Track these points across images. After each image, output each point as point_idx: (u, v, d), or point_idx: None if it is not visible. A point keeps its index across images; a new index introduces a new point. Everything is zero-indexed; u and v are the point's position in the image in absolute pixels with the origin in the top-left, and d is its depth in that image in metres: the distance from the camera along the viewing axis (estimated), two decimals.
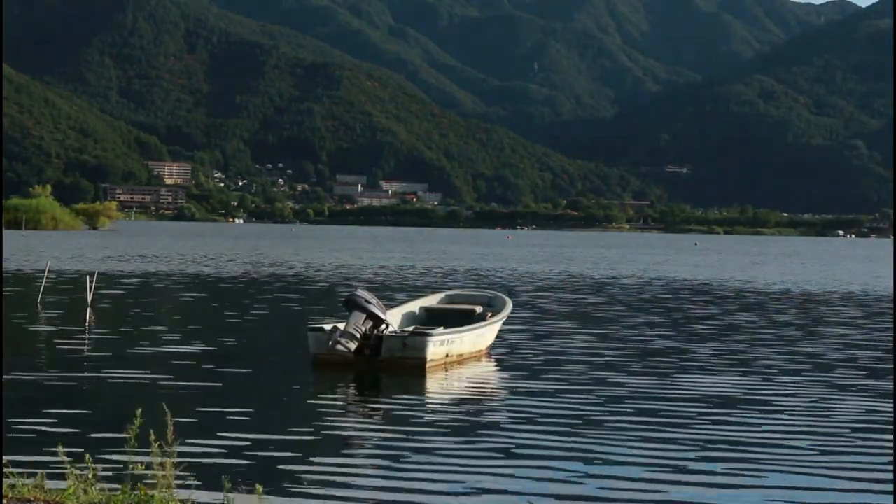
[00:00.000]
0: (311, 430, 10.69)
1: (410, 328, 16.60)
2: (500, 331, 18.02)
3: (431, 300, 18.76)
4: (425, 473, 8.92)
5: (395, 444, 10.09)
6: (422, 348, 14.99)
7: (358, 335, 14.97)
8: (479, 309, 17.72)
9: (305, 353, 15.43)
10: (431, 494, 8.33)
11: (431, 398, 13.30)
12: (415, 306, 18.29)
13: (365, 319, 15.11)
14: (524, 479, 8.85)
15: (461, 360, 15.95)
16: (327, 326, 15.38)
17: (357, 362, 15.00)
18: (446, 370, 15.18)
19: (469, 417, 11.60)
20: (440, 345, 15.35)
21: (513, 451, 9.88)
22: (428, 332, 15.38)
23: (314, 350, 15.24)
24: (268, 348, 17.49)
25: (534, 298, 29.65)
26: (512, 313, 19.21)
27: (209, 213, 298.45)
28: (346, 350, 14.87)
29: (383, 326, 15.36)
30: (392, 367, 14.92)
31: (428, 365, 14.98)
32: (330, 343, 14.98)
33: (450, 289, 24.21)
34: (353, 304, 15.25)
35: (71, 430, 10.18)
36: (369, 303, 15.24)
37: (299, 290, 31.18)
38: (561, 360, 16.44)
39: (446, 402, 12.86)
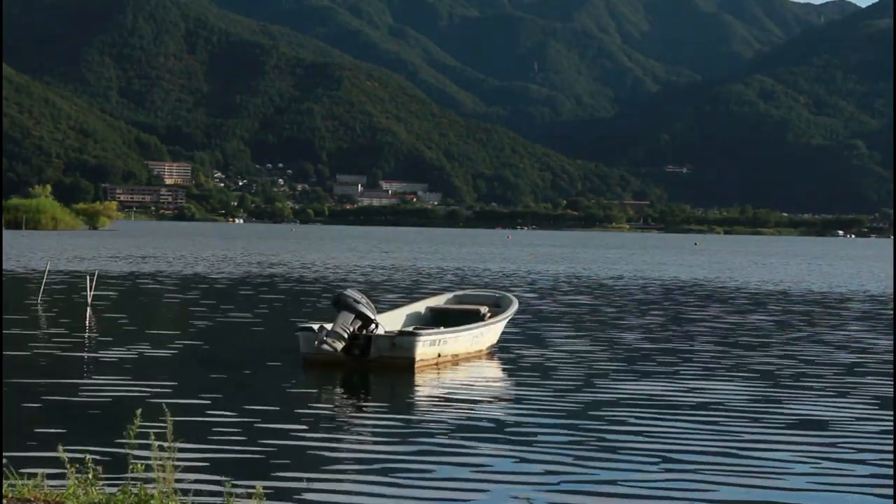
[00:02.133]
0: (304, 430, 10.70)
1: (411, 328, 16.62)
2: (503, 331, 17.98)
3: (438, 300, 18.74)
4: (419, 473, 8.93)
5: (386, 444, 10.09)
6: (410, 348, 14.96)
7: (345, 335, 14.92)
8: (484, 309, 17.68)
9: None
10: (425, 493, 8.34)
11: (420, 398, 13.26)
12: (421, 306, 18.29)
13: (353, 319, 15.08)
14: (510, 482, 8.86)
15: (456, 360, 15.91)
16: (317, 326, 15.36)
17: (347, 362, 14.99)
18: (439, 370, 15.15)
19: (456, 419, 11.59)
20: (430, 345, 15.29)
21: (501, 451, 9.89)
22: (416, 332, 15.37)
23: (304, 350, 15.25)
24: (265, 348, 17.47)
25: (536, 299, 29.63)
26: (517, 314, 19.18)
27: (209, 213, 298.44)
28: (331, 350, 14.83)
29: (373, 326, 15.32)
30: (381, 367, 14.90)
31: (417, 365, 14.94)
32: (316, 343, 14.99)
33: (458, 289, 24.06)
34: (341, 304, 15.22)
35: (71, 431, 10.19)
36: (358, 302, 15.19)
37: (298, 290, 31.17)
38: (559, 361, 16.44)
39: (434, 402, 12.81)
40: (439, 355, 15.53)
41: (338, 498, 8.17)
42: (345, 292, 15.51)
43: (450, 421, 11.34)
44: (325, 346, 14.85)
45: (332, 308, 15.75)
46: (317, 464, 9.21)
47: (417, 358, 14.99)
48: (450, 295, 19.11)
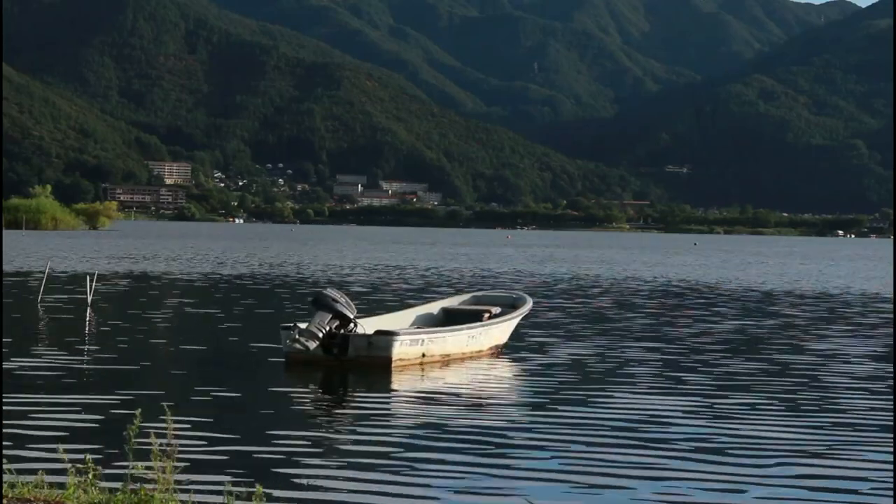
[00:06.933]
0: (296, 430, 10.72)
1: (414, 328, 16.64)
2: (515, 332, 17.92)
3: (454, 301, 18.66)
4: (415, 473, 8.94)
5: (376, 445, 10.10)
6: (386, 347, 14.95)
7: (319, 334, 14.90)
8: (495, 310, 17.63)
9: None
10: (420, 493, 8.36)
11: (401, 398, 13.24)
12: (435, 307, 18.25)
13: (331, 318, 15.07)
14: (493, 484, 8.87)
15: (447, 360, 15.84)
16: (302, 325, 15.32)
17: (326, 361, 14.99)
18: (423, 370, 15.10)
19: (440, 419, 11.60)
20: (410, 344, 15.27)
21: (483, 453, 9.90)
22: (394, 331, 15.35)
23: (286, 349, 15.28)
24: (263, 347, 17.46)
25: (551, 299, 29.59)
26: (530, 314, 19.12)
27: (209, 214, 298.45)
28: (303, 348, 14.83)
29: (351, 325, 15.32)
30: (360, 367, 14.91)
31: (395, 364, 14.91)
32: (288, 341, 15.01)
33: (476, 290, 23.89)
34: (319, 303, 15.23)
35: (71, 431, 10.20)
36: (336, 301, 15.18)
37: (298, 290, 31.16)
38: (558, 363, 16.40)
39: (416, 402, 12.76)
40: (424, 355, 15.47)
41: (340, 493, 8.18)
42: (323, 291, 15.53)
43: (436, 422, 11.34)
44: (297, 345, 14.87)
45: (312, 307, 15.72)
46: (312, 463, 9.22)
47: (395, 357, 14.96)
48: (467, 296, 19.03)
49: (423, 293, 30.16)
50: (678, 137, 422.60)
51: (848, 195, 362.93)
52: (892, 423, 11.52)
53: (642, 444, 10.27)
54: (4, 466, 7.36)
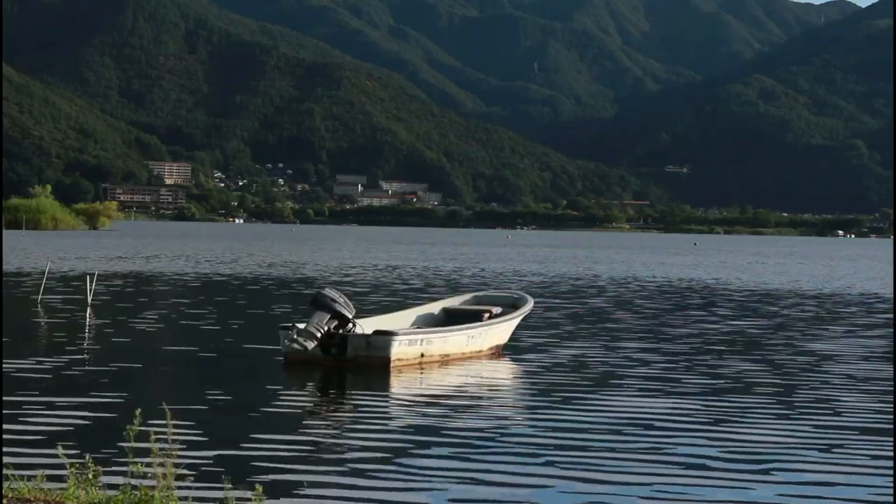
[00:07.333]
0: (294, 430, 10.72)
1: (414, 328, 16.64)
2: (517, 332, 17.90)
3: (454, 301, 18.64)
4: (413, 475, 8.94)
5: (375, 448, 10.10)
6: (385, 347, 14.96)
7: (317, 334, 14.91)
8: (496, 310, 17.62)
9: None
10: (419, 495, 8.36)
11: (399, 399, 13.21)
12: (436, 307, 18.23)
13: (329, 318, 15.08)
14: (491, 485, 8.87)
15: (446, 360, 15.85)
16: (300, 325, 15.33)
17: (325, 361, 15.01)
18: (422, 370, 15.12)
19: (434, 420, 11.59)
20: (409, 344, 15.28)
21: (473, 454, 9.90)
22: (392, 331, 15.35)
23: (285, 349, 15.29)
24: (261, 347, 17.46)
25: (554, 300, 29.58)
26: (531, 315, 19.12)
27: (209, 214, 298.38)
28: (301, 348, 14.83)
29: (350, 325, 15.32)
30: (358, 367, 14.92)
31: (394, 364, 14.92)
32: (286, 341, 15.02)
33: (479, 290, 23.86)
34: (318, 303, 15.24)
35: (71, 431, 10.20)
36: (335, 301, 15.18)
37: (298, 290, 31.15)
38: (559, 364, 16.38)
39: (414, 403, 12.74)
40: (422, 355, 15.47)
41: (335, 499, 8.18)
42: (322, 291, 15.52)
43: (428, 421, 11.34)
44: (295, 345, 14.87)
45: (310, 307, 15.71)
46: (310, 464, 9.22)
47: (393, 357, 14.97)
48: (468, 296, 19.00)
49: (423, 293, 30.16)
50: (678, 137, 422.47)
51: (848, 195, 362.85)
52: (892, 424, 11.52)
53: (643, 445, 10.26)
54: (4, 466, 7.38)
